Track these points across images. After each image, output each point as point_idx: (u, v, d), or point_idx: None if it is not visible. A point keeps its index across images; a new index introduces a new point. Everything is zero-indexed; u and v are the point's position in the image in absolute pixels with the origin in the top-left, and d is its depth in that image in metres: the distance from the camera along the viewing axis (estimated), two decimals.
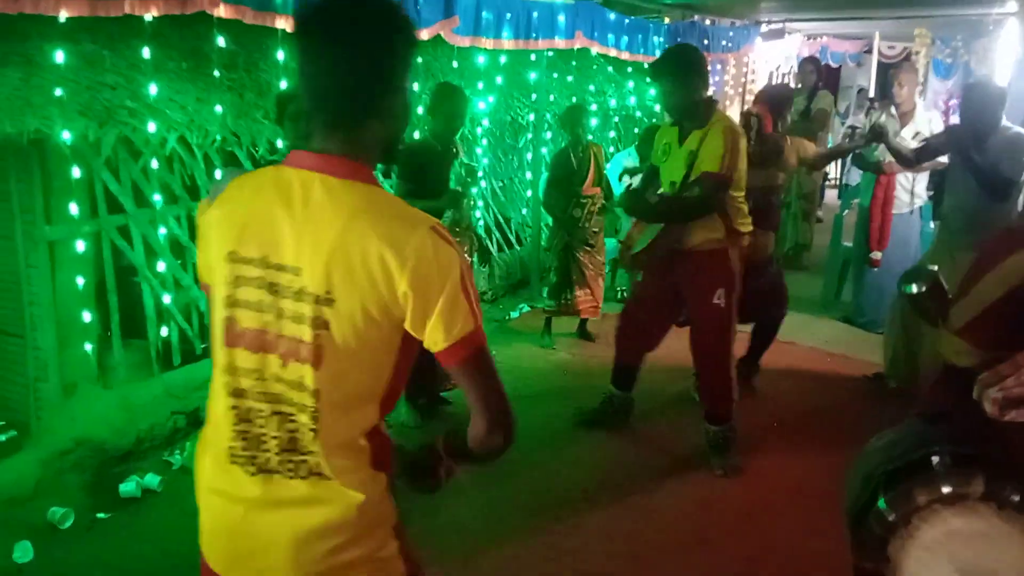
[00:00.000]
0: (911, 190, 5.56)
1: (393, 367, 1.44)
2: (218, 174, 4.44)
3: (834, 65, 12.39)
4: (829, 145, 7.75)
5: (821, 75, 7.61)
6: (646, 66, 4.17)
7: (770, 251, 4.59)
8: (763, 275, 4.48)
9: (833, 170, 11.25)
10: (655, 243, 3.78)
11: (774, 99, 4.61)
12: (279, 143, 4.17)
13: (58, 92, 3.34)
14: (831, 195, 11.06)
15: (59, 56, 3.33)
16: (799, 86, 7.79)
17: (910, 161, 4.84)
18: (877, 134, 4.81)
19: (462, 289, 1.37)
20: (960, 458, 2.17)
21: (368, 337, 1.37)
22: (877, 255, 5.58)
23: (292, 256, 1.37)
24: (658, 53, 7.14)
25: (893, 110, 5.42)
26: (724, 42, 8.54)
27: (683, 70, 3.60)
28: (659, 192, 3.90)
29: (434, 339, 1.38)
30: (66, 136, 3.38)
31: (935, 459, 2.19)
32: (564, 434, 4.28)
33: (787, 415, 4.55)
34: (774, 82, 11.63)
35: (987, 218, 4.10)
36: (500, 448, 1.49)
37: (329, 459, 1.41)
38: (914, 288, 2.48)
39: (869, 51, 10.13)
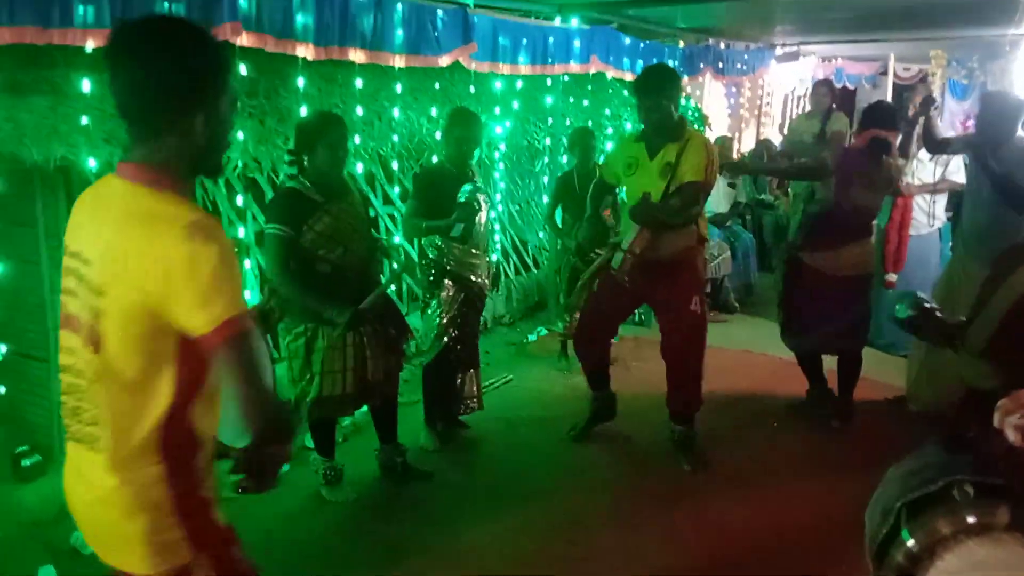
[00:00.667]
0: (930, 212, 5.54)
1: (174, 364, 1.55)
2: (240, 200, 4.49)
3: (850, 87, 12.41)
4: None
5: (835, 97, 7.62)
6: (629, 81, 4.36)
7: (871, 266, 4.59)
8: (860, 294, 4.47)
9: None
10: (635, 242, 3.87)
11: (892, 120, 4.44)
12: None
13: (84, 120, 3.40)
14: None
15: (85, 85, 3.39)
16: (812, 109, 7.80)
17: (937, 143, 4.78)
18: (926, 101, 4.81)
19: (218, 278, 1.45)
20: (984, 488, 2.15)
21: (137, 329, 1.51)
22: (892, 277, 5.55)
23: (90, 250, 1.56)
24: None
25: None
26: (739, 65, 8.58)
27: (668, 88, 3.83)
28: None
29: (193, 325, 1.47)
30: (92, 163, 3.44)
31: (958, 489, 2.16)
32: (581, 457, 4.27)
33: (807, 438, 4.51)
34: (789, 105, 11.69)
35: (1003, 231, 4.09)
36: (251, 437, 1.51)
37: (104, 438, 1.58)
38: (905, 313, 2.49)
39: (884, 72, 10.13)
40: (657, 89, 3.80)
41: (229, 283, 1.47)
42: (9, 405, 3.81)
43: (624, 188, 4.16)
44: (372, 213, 5.20)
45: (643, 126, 3.99)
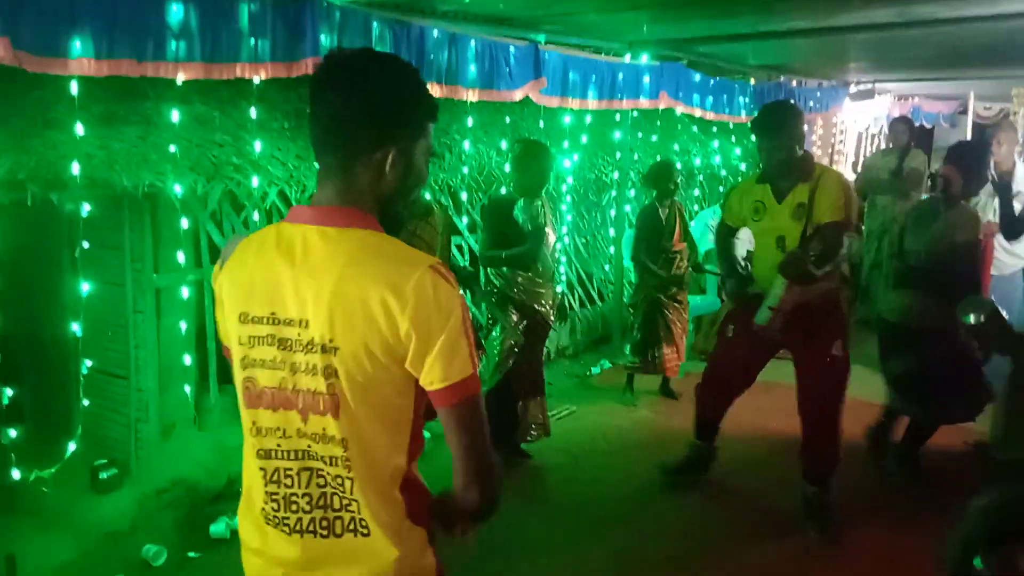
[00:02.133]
0: (1012, 251, 5.36)
1: (412, 411, 1.43)
2: None
3: (927, 125, 12.12)
4: None
5: (913, 134, 7.46)
6: (748, 125, 4.19)
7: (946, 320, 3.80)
8: (951, 352, 3.93)
9: None
10: (785, 299, 3.62)
11: (964, 156, 4.14)
12: None
13: (172, 149, 3.57)
14: None
15: (174, 116, 3.57)
16: (890, 145, 7.65)
17: (1016, 231, 4.65)
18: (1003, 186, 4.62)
19: (463, 331, 1.36)
20: None
21: (378, 380, 1.36)
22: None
23: (297, 309, 1.37)
24: (744, 113, 7.17)
25: (992, 168, 5.27)
26: (811, 103, 8.49)
27: (788, 126, 3.65)
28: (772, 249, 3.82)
29: (430, 378, 1.36)
30: (177, 189, 3.60)
31: None
32: (646, 491, 4.21)
33: (882, 483, 4.36)
34: (864, 143, 11.48)
35: None
36: (476, 506, 1.41)
37: (365, 511, 1.39)
38: (971, 318, 2.41)
39: (964, 111, 9.89)
40: (778, 128, 3.64)
41: (472, 336, 1.39)
42: (89, 419, 3.97)
43: (753, 234, 3.95)
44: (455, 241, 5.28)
45: (766, 167, 3.77)
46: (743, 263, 4.25)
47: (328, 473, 1.39)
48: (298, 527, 1.42)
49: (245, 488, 1.50)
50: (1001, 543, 2.12)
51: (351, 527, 1.40)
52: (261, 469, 1.44)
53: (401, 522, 1.42)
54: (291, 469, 1.42)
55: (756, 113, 3.98)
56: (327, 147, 1.42)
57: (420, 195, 3.63)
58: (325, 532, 1.41)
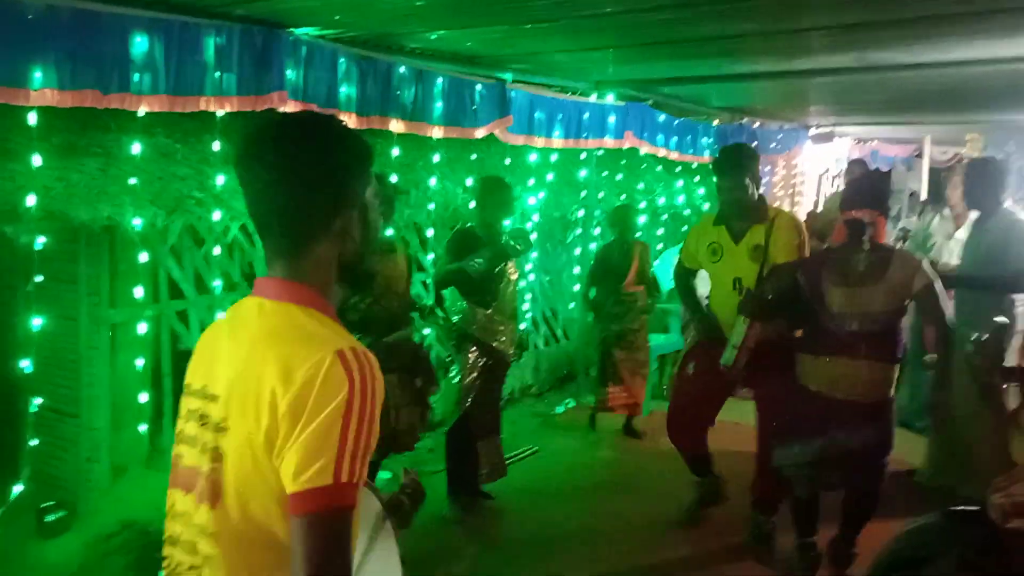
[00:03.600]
0: None
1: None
2: None
3: (885, 169, 12.42)
4: None
5: None
6: (709, 165, 4.25)
7: (888, 392, 3.48)
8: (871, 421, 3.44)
9: None
10: (748, 336, 3.63)
11: (881, 197, 3.58)
12: None
13: (132, 181, 3.51)
14: None
15: (136, 148, 3.51)
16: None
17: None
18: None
19: (342, 429, 1.14)
20: (966, 564, 2.08)
21: (261, 471, 1.18)
22: (933, 357, 5.41)
23: (221, 384, 1.25)
24: (707, 153, 7.28)
25: (947, 212, 5.39)
26: (773, 144, 8.65)
27: (747, 167, 3.75)
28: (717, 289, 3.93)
29: (287, 472, 1.14)
30: (137, 223, 3.53)
31: (944, 559, 2.10)
32: (609, 532, 4.17)
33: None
34: (823, 185, 11.71)
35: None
36: None
37: None
38: (976, 333, 2.44)
39: (920, 155, 10.14)
40: (739, 168, 3.73)
41: (348, 440, 1.14)
42: (38, 459, 3.83)
43: (710, 275, 3.99)
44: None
45: (723, 208, 3.87)
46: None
47: (202, 573, 1.22)
48: None
49: None
50: (910, 569, 2.13)
51: None
52: (164, 559, 1.29)
53: None
54: (182, 565, 1.26)
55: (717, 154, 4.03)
56: (268, 227, 1.30)
57: (383, 233, 3.62)
58: None
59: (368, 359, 1.22)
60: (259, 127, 1.32)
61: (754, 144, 8.14)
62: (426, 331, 5.53)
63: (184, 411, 1.32)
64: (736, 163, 3.76)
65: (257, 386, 1.18)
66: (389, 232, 3.91)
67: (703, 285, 4.25)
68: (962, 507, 2.30)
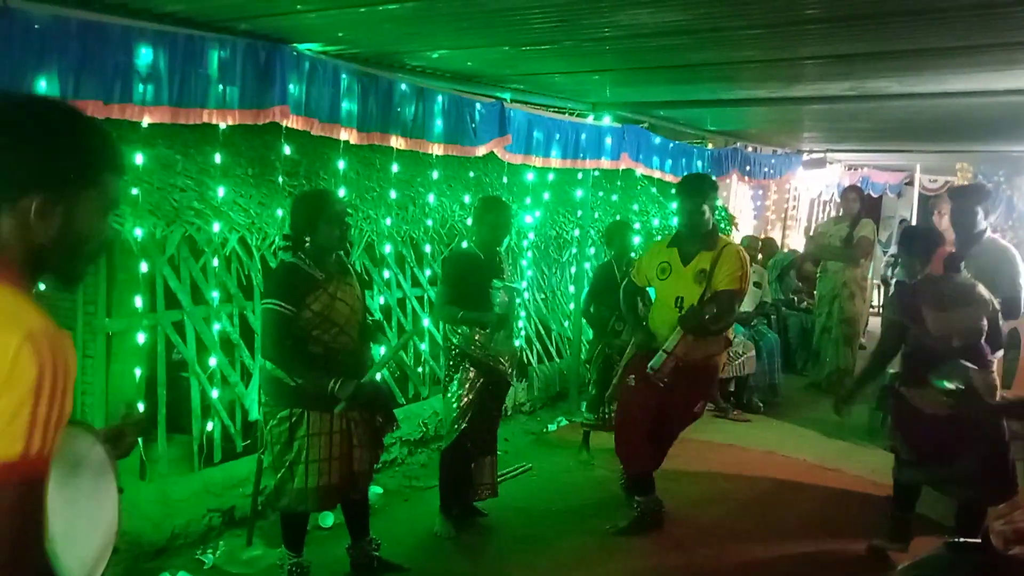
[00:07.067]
0: None
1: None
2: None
3: (874, 195, 12.55)
4: (869, 273, 7.76)
5: (864, 204, 7.70)
6: (678, 185, 4.44)
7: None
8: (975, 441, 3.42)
9: (876, 296, 11.21)
10: (679, 346, 3.93)
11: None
12: None
13: (133, 191, 3.53)
14: (874, 321, 10.98)
15: (138, 159, 3.53)
16: (840, 213, 7.88)
17: None
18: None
19: (34, 404, 1.15)
20: None
21: None
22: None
23: None
24: None
25: None
26: (766, 168, 8.74)
27: (708, 194, 4.04)
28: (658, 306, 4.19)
29: None
30: (137, 232, 3.54)
31: None
32: (600, 551, 4.17)
33: (833, 546, 4.38)
34: (815, 210, 11.82)
35: None
36: None
37: None
38: (947, 384, 2.47)
39: (910, 183, 10.26)
40: (700, 194, 4.01)
41: (39, 414, 1.16)
42: None
43: (655, 291, 4.26)
44: (377, 298, 5.21)
45: (680, 230, 4.16)
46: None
47: None
48: None
49: None
50: None
51: None
52: None
53: None
54: None
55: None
56: None
57: (339, 256, 3.42)
58: None
59: (63, 337, 1.23)
60: None
61: (747, 167, 8.25)
62: (422, 346, 5.55)
63: None
64: (697, 190, 4.05)
65: None
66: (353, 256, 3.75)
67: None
68: (963, 539, 2.34)
